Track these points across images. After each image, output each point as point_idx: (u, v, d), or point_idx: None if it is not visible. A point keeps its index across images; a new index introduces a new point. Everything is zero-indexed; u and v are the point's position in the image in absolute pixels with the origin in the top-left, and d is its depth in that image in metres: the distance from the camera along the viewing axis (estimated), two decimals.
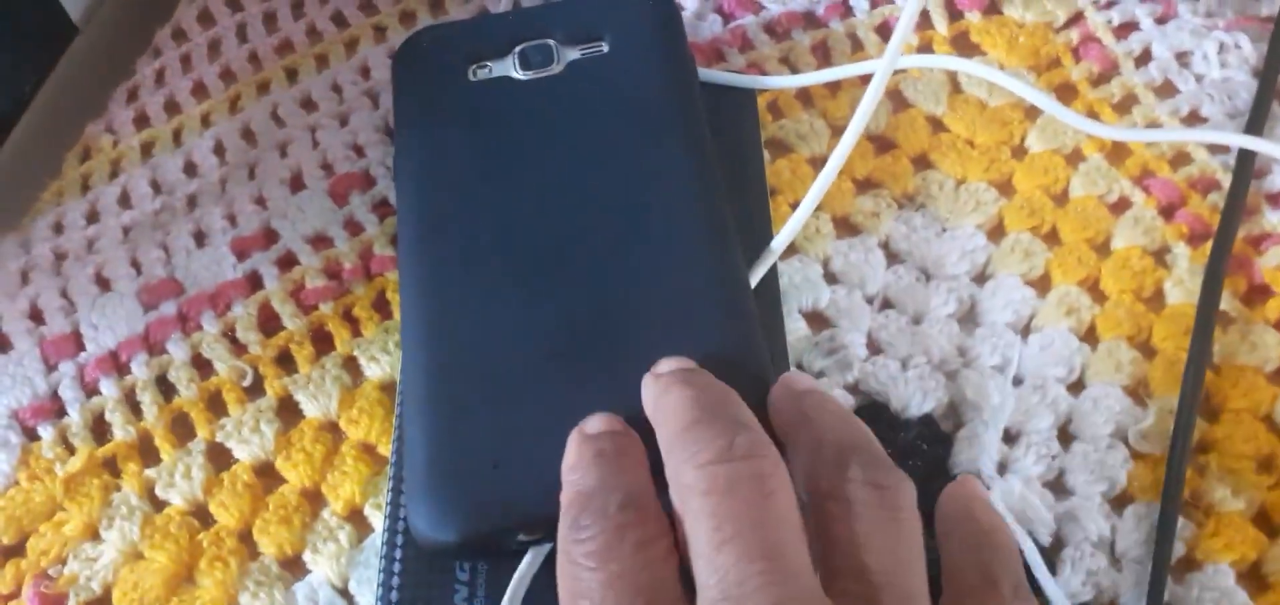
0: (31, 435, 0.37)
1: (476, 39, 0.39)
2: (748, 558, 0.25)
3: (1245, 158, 0.40)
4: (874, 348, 0.37)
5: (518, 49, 0.39)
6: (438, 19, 0.46)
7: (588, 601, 0.26)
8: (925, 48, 0.44)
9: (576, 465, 0.28)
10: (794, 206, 0.37)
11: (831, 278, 0.39)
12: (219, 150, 0.42)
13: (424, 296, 0.34)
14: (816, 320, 0.38)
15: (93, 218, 0.41)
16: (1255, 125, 0.41)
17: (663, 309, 0.33)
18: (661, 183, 0.36)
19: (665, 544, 0.27)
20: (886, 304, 0.38)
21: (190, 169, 0.42)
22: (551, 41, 0.39)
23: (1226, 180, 0.40)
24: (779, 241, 0.36)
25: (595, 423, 0.29)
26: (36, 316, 0.39)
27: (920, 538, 0.27)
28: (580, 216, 0.35)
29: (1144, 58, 0.43)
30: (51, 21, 0.45)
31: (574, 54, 0.39)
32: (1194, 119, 0.42)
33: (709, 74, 0.41)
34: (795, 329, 0.37)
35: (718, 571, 0.25)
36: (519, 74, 0.38)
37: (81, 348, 0.38)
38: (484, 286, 0.34)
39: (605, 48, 0.39)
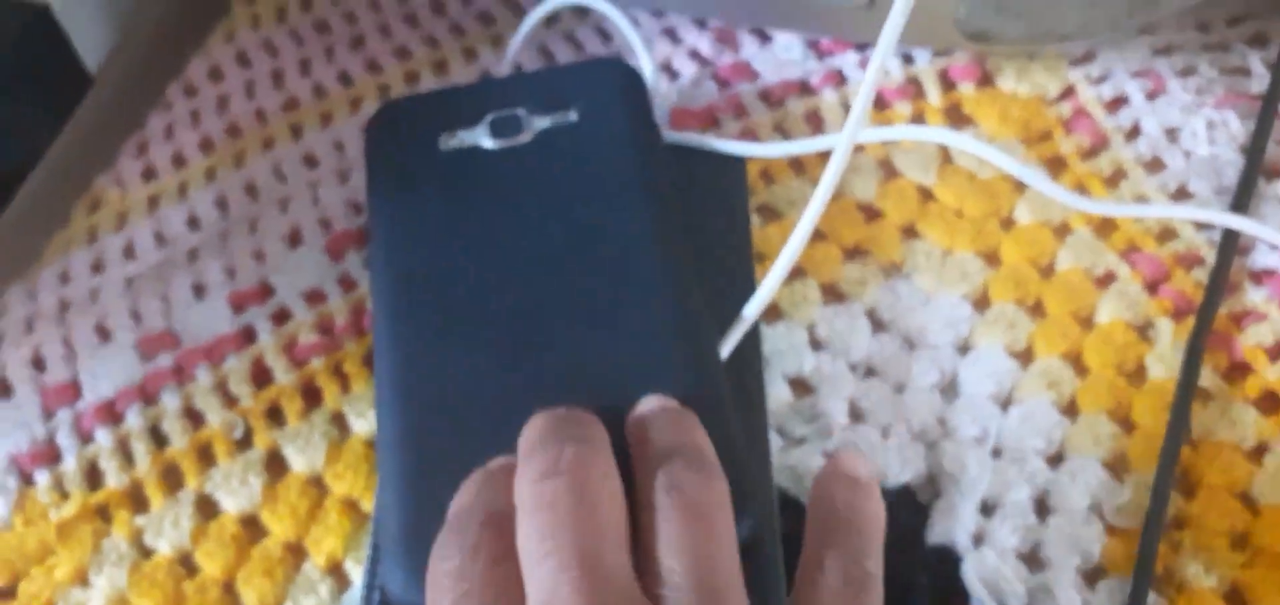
0: (28, 480, 0.37)
1: (447, 109, 0.40)
2: (563, 566, 0.26)
3: (1230, 235, 0.40)
4: (856, 415, 0.38)
5: (488, 118, 0.39)
6: (440, 81, 0.46)
7: None
8: (918, 118, 0.44)
9: (461, 490, 0.30)
10: None
11: (816, 343, 0.39)
12: (222, 204, 0.43)
13: (396, 361, 0.34)
14: (800, 387, 0.38)
15: (98, 268, 0.42)
16: (1241, 202, 0.40)
17: (629, 369, 0.33)
18: (628, 250, 0.36)
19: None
20: (870, 371, 0.38)
21: (193, 222, 0.43)
22: (521, 111, 0.39)
23: (1212, 256, 0.40)
24: (751, 309, 0.36)
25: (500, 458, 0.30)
26: (39, 364, 0.40)
27: (730, 532, 0.28)
28: (549, 281, 0.35)
29: (1134, 132, 0.43)
30: (68, 72, 0.46)
31: (544, 123, 0.39)
32: (1182, 195, 0.42)
33: (694, 139, 0.42)
34: (779, 395, 0.38)
35: (537, 582, 0.26)
36: (489, 143, 0.39)
37: (79, 396, 0.39)
38: (455, 351, 0.34)
39: (574, 116, 0.39)
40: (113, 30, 0.47)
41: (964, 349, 0.39)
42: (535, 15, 0.45)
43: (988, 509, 0.36)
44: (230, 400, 0.38)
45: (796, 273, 0.40)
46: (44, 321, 0.40)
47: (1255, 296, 0.39)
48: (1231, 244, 0.40)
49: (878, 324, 0.39)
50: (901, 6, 0.31)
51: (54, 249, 0.42)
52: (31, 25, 0.44)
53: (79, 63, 0.46)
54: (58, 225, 0.43)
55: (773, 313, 0.39)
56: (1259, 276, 0.39)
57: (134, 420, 0.38)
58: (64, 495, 0.37)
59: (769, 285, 0.36)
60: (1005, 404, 0.38)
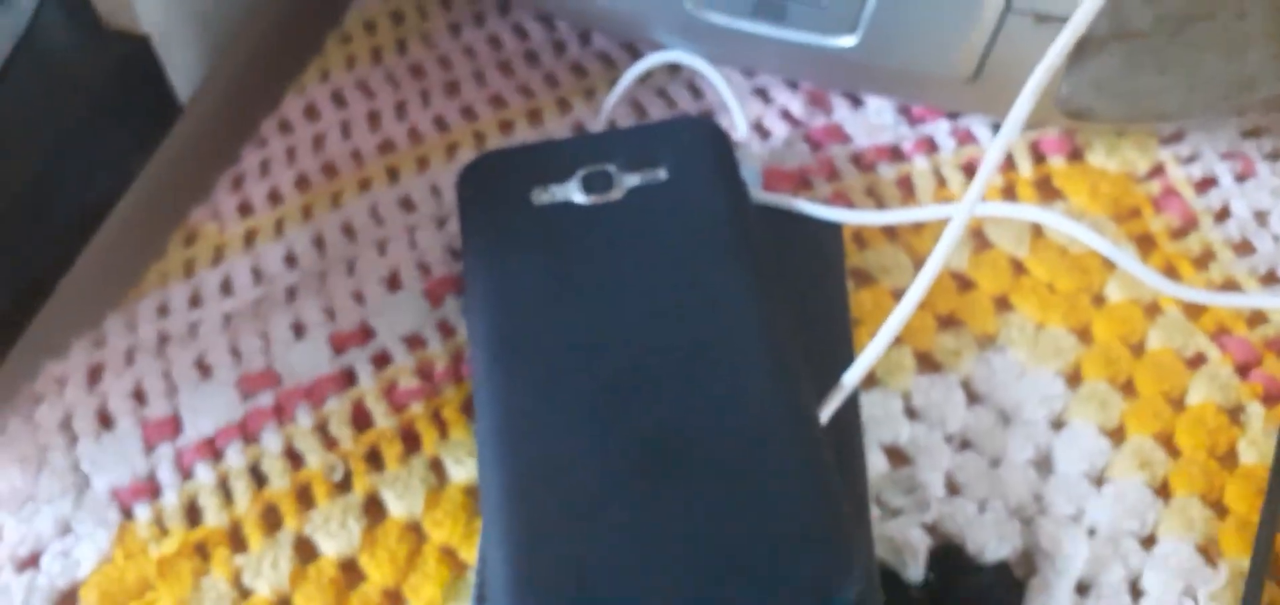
0: (128, 513, 0.37)
1: (539, 164, 0.40)
2: None
3: None
4: (952, 488, 0.37)
5: (580, 173, 0.39)
6: (535, 130, 0.46)
7: None
8: (1009, 190, 0.44)
9: None
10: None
11: (912, 413, 0.39)
12: (319, 243, 0.43)
13: (499, 414, 0.34)
14: (896, 456, 0.38)
15: (195, 302, 0.42)
16: None
17: (733, 436, 0.33)
18: (723, 309, 0.36)
19: None
20: (965, 444, 0.38)
21: (291, 260, 0.43)
22: (611, 168, 0.39)
23: None
24: (851, 376, 0.36)
25: None
26: (140, 396, 0.39)
27: None
28: (647, 340, 0.35)
29: (1223, 214, 0.43)
30: (159, 100, 0.46)
31: (634, 180, 0.39)
32: (1271, 279, 0.42)
33: (794, 202, 0.42)
34: (875, 464, 0.38)
35: None
36: (581, 198, 0.39)
37: (180, 431, 0.39)
38: (558, 406, 0.34)
39: (663, 174, 0.39)
40: (205, 62, 0.47)
41: (1058, 425, 0.39)
42: (633, 72, 0.45)
43: (1083, 588, 0.36)
44: (330, 442, 0.38)
45: (893, 340, 0.40)
46: (144, 354, 0.40)
47: None
48: None
49: (973, 395, 0.39)
50: (1030, 91, 0.31)
51: (151, 280, 0.42)
52: (130, 56, 0.45)
53: (172, 93, 0.47)
54: (153, 256, 0.43)
55: (869, 380, 0.39)
56: None
57: (234, 458, 0.38)
58: (164, 531, 0.37)
59: (871, 353, 0.36)
60: (1099, 482, 0.37)
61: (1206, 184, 0.44)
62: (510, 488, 0.33)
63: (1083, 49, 0.38)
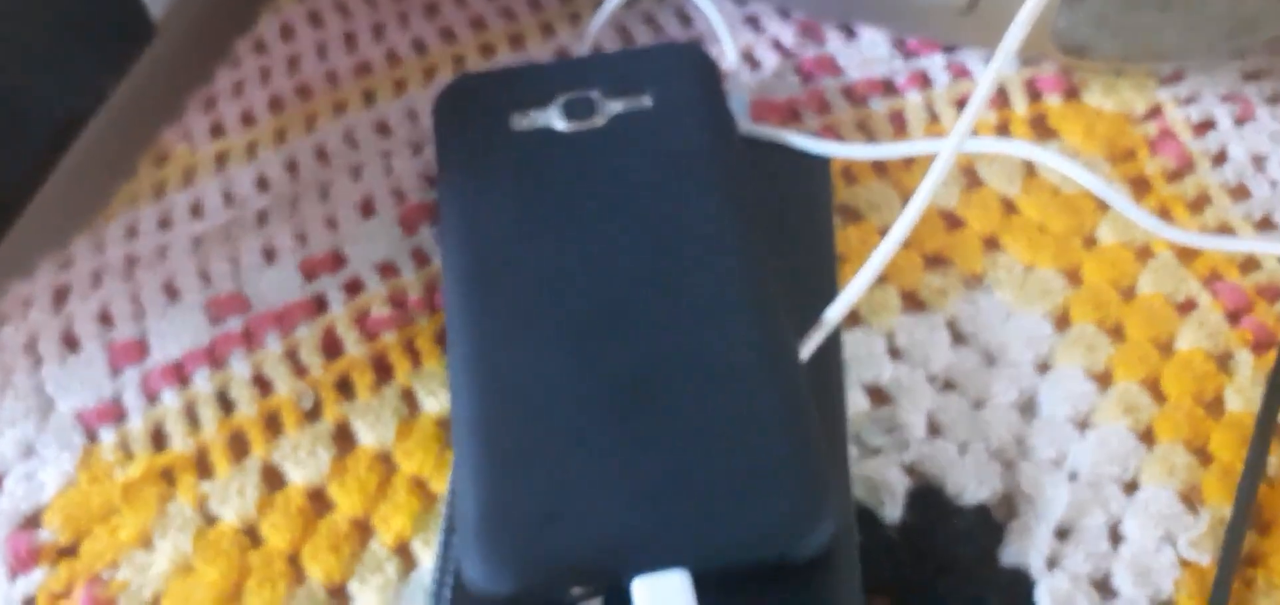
0: (93, 437, 0.38)
1: (519, 87, 0.40)
2: None
3: None
4: (933, 428, 0.38)
5: (561, 99, 0.39)
6: (517, 55, 0.46)
7: None
8: (1003, 127, 0.44)
9: None
10: None
11: (895, 353, 0.39)
12: (292, 167, 0.43)
13: (472, 344, 0.35)
14: (878, 395, 0.38)
15: (165, 224, 0.42)
16: None
17: (711, 369, 0.34)
18: (705, 242, 0.36)
19: None
20: (948, 385, 0.39)
21: (263, 183, 0.43)
22: (594, 94, 0.39)
23: None
24: (833, 313, 0.37)
25: None
26: (106, 319, 0.40)
27: None
28: (625, 271, 0.36)
29: (1220, 157, 0.43)
30: (131, 20, 0.46)
31: (617, 107, 0.39)
32: (1266, 224, 0.42)
33: (782, 135, 0.42)
34: (856, 402, 0.38)
35: None
36: (562, 125, 0.39)
37: (146, 355, 0.39)
38: (532, 337, 0.35)
39: (648, 102, 0.39)
40: None
41: (1043, 368, 0.39)
42: None
43: (1062, 533, 0.36)
44: (300, 369, 0.39)
45: (877, 278, 0.40)
46: (111, 276, 0.41)
47: None
48: None
49: (958, 336, 0.40)
50: (1024, 18, 0.31)
51: (120, 201, 0.43)
52: None
53: (144, 11, 0.46)
54: (123, 176, 0.43)
55: (852, 318, 0.39)
56: None
57: (202, 384, 0.38)
58: (129, 455, 0.37)
59: (854, 290, 0.36)
60: (1082, 427, 0.38)
61: (1204, 127, 0.44)
62: (481, 419, 0.33)
63: None
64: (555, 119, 0.39)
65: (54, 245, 0.42)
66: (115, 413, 0.38)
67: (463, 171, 0.38)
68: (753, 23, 0.47)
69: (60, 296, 0.40)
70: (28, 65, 0.42)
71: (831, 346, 0.38)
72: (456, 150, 0.39)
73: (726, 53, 0.44)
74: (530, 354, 0.34)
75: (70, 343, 0.39)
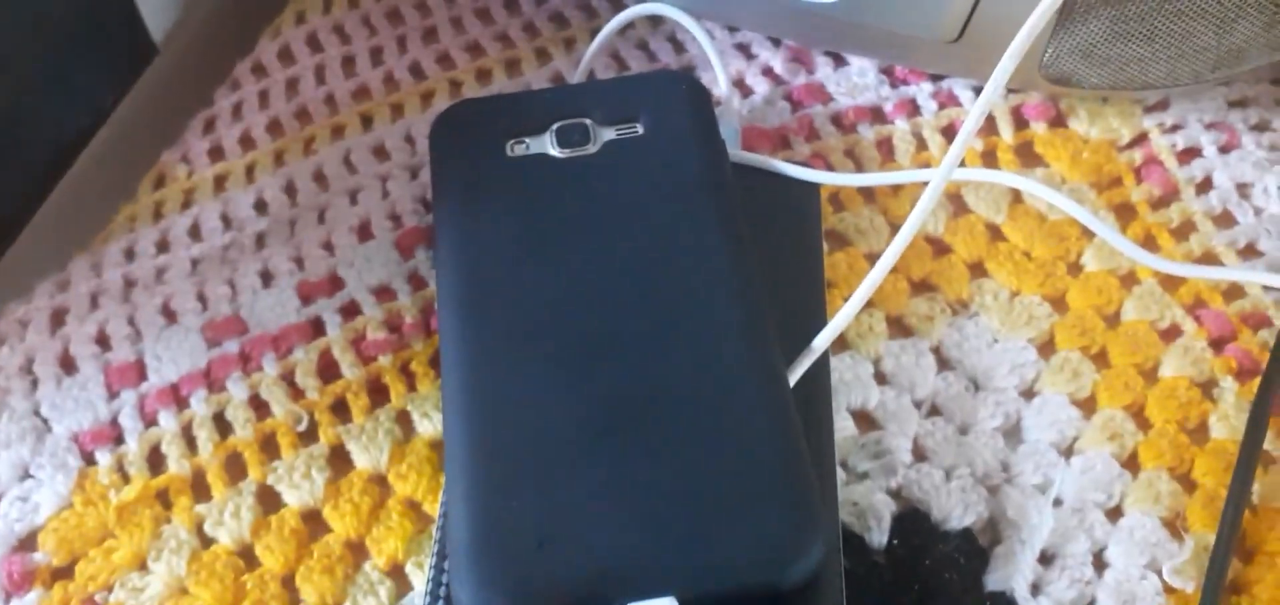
0: (89, 459, 0.37)
1: (513, 114, 0.39)
2: None
3: None
4: (919, 454, 0.37)
5: (555, 126, 0.39)
6: (513, 80, 0.46)
7: None
8: (990, 154, 0.44)
9: None
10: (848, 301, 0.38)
11: (882, 378, 0.39)
12: (290, 190, 0.43)
13: (465, 368, 0.34)
14: (865, 420, 0.38)
15: (163, 247, 0.42)
16: None
17: (702, 395, 0.33)
18: (697, 268, 0.36)
19: None
20: (934, 410, 0.38)
21: (261, 206, 0.43)
22: (588, 121, 0.39)
23: (1279, 318, 0.39)
24: (821, 339, 0.36)
25: None
26: (103, 341, 0.39)
27: None
28: (618, 297, 0.35)
29: (1205, 185, 0.43)
30: (134, 39, 0.46)
31: (610, 134, 0.39)
32: (1251, 252, 0.41)
33: (772, 163, 0.41)
34: (843, 427, 0.37)
35: None
36: (556, 152, 0.38)
37: (144, 377, 0.38)
38: (525, 361, 0.34)
39: (640, 129, 0.39)
40: (180, 4, 0.47)
41: (1028, 394, 0.39)
42: (614, 24, 0.44)
43: (1046, 559, 0.36)
44: (296, 392, 0.38)
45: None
46: (109, 298, 0.40)
47: None
48: None
49: (943, 362, 0.39)
50: (1013, 53, 0.31)
51: (119, 223, 0.42)
52: None
53: (145, 31, 0.46)
54: (123, 197, 0.43)
55: (840, 343, 0.39)
56: None
57: (199, 406, 0.38)
58: (125, 478, 0.37)
59: (843, 317, 0.36)
60: (1067, 453, 0.37)
61: (1189, 154, 0.44)
62: (474, 444, 0.33)
63: (1069, 13, 0.38)
64: (549, 146, 0.38)
65: (52, 266, 0.41)
66: (112, 435, 0.38)
67: (458, 197, 0.38)
68: (744, 50, 0.47)
69: (57, 318, 0.40)
70: (29, 85, 0.42)
71: (820, 371, 0.37)
72: (452, 176, 0.38)
73: (718, 79, 0.44)
74: (523, 379, 0.34)
75: (67, 365, 0.39)
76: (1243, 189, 0.43)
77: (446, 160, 0.39)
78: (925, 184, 0.41)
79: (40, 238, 0.42)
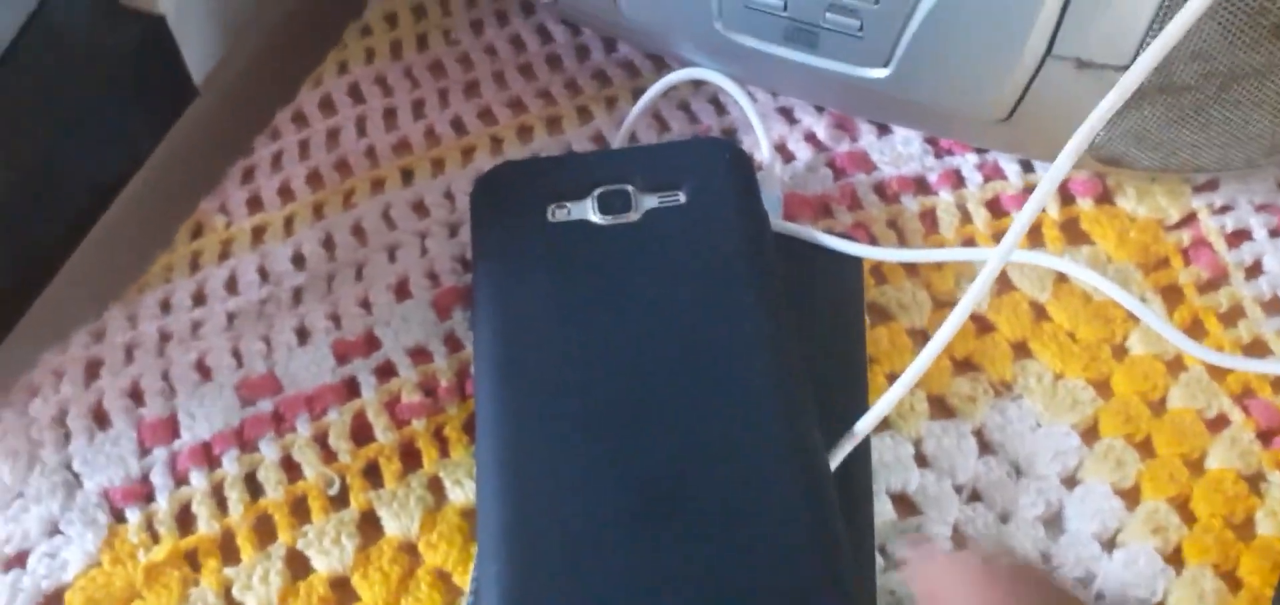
0: (119, 517, 0.36)
1: (556, 178, 0.39)
2: None
3: None
4: (959, 541, 0.36)
5: (597, 192, 0.38)
6: (554, 138, 0.45)
7: None
8: (1035, 231, 0.42)
9: None
10: (890, 377, 0.37)
11: (922, 460, 0.38)
12: (329, 244, 0.42)
13: (501, 439, 0.33)
14: (904, 504, 0.37)
15: (200, 299, 0.41)
16: None
17: (739, 478, 0.32)
18: (737, 343, 0.35)
19: None
20: (975, 496, 0.37)
21: (299, 260, 0.42)
22: (629, 188, 0.38)
23: None
24: (863, 424, 0.35)
25: None
26: (137, 395, 0.39)
27: None
28: (657, 371, 0.34)
29: (1254, 269, 0.42)
30: (174, 81, 0.45)
31: (652, 202, 0.38)
32: None
33: (815, 234, 0.40)
34: (882, 510, 0.36)
35: None
36: (597, 218, 0.37)
37: (177, 434, 0.38)
38: (561, 434, 0.33)
39: (682, 198, 0.38)
40: (222, 46, 0.46)
41: (1071, 482, 0.37)
42: (657, 88, 0.43)
43: None
44: (329, 455, 0.37)
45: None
46: (144, 351, 0.39)
47: None
48: None
49: (985, 445, 0.38)
50: (1073, 148, 0.30)
51: (156, 273, 0.41)
52: (145, 35, 0.43)
53: (186, 75, 0.45)
54: (159, 244, 0.42)
55: (881, 423, 0.38)
56: None
57: (230, 466, 0.37)
58: (155, 538, 0.36)
59: (885, 403, 0.35)
60: (1110, 546, 0.36)
61: (1239, 236, 0.42)
62: (509, 519, 0.32)
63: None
64: (591, 212, 0.38)
65: (88, 312, 0.40)
66: (142, 493, 0.37)
67: (498, 261, 0.37)
68: (786, 114, 0.46)
69: (92, 370, 0.39)
70: (69, 124, 0.41)
71: (861, 453, 0.36)
72: (492, 239, 0.38)
73: (761, 145, 0.43)
74: (559, 452, 0.33)
75: (100, 419, 0.38)
76: None
77: (487, 223, 0.38)
78: (971, 261, 0.40)
79: (76, 282, 0.41)
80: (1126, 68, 0.32)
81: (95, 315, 0.40)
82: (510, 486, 0.32)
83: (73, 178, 0.42)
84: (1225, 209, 0.43)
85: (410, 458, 0.37)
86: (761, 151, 0.43)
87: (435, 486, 0.37)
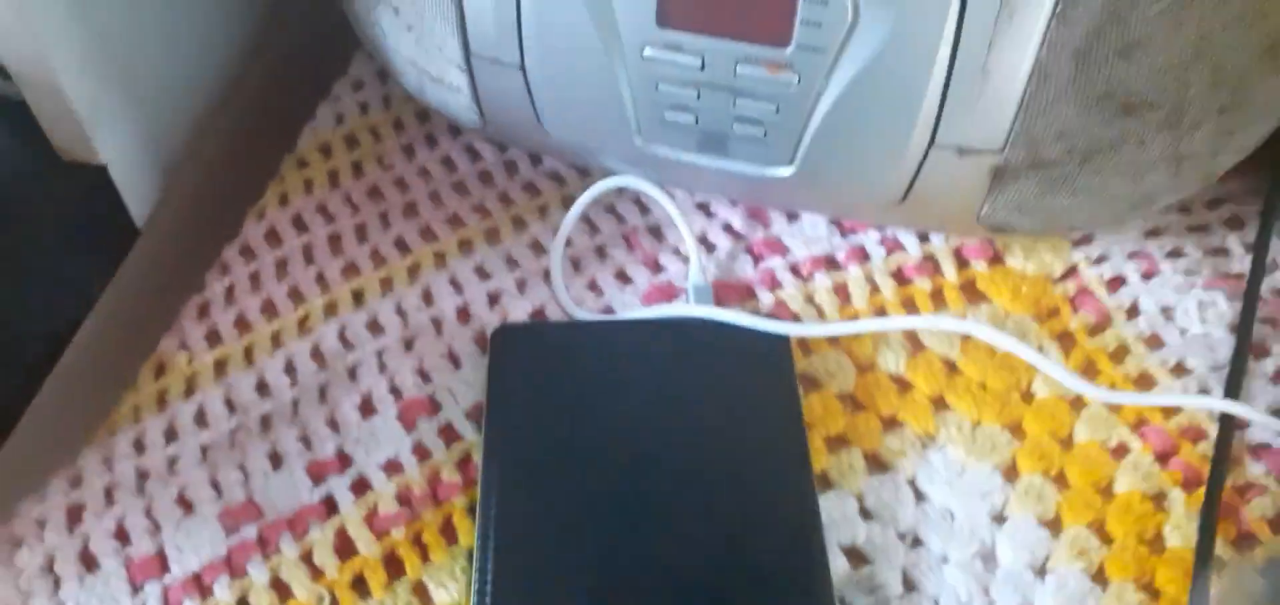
0: None
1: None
2: None
3: (1228, 416, 0.41)
4: (909, 584, 0.38)
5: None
6: (494, 249, 0.46)
7: None
8: (938, 293, 0.45)
9: None
10: (826, 441, 0.39)
11: (866, 513, 0.39)
12: (290, 370, 0.42)
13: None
14: (855, 556, 0.38)
15: (172, 435, 0.41)
16: (1234, 384, 0.42)
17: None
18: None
19: None
20: (917, 541, 0.39)
21: (263, 388, 0.42)
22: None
23: (1213, 429, 0.41)
24: None
25: None
26: (123, 536, 0.38)
27: None
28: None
29: (1133, 311, 0.45)
30: (119, 226, 0.45)
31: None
32: (1180, 370, 0.43)
33: (746, 319, 0.42)
34: (838, 566, 0.38)
35: None
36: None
37: (166, 569, 0.37)
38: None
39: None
40: (159, 186, 0.46)
41: (999, 519, 0.39)
42: (586, 197, 0.45)
43: None
44: (316, 571, 0.37)
45: (841, 442, 0.40)
46: (124, 491, 0.39)
47: (1255, 470, 0.40)
48: (1230, 424, 0.41)
49: (919, 494, 0.40)
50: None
51: (124, 414, 0.41)
52: (90, 186, 0.43)
53: (130, 219, 0.45)
54: (122, 385, 0.42)
55: (824, 482, 0.40)
56: (1257, 451, 0.41)
57: (222, 593, 0.37)
58: None
59: None
60: (1041, 573, 0.38)
61: (1116, 282, 0.45)
62: None
63: (1002, 177, 0.39)
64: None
65: (57, 457, 0.40)
66: None
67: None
68: (704, 209, 0.47)
69: (74, 515, 0.39)
70: (17, 276, 0.41)
71: (813, 514, 0.38)
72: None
73: (685, 239, 0.45)
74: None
75: (88, 562, 0.38)
76: (1167, 312, 0.45)
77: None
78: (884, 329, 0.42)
79: (41, 428, 0.41)
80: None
81: (63, 461, 0.40)
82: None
83: (26, 327, 0.42)
84: (1102, 259, 0.46)
85: (393, 566, 0.38)
86: (685, 244, 0.45)
87: (421, 591, 0.37)
